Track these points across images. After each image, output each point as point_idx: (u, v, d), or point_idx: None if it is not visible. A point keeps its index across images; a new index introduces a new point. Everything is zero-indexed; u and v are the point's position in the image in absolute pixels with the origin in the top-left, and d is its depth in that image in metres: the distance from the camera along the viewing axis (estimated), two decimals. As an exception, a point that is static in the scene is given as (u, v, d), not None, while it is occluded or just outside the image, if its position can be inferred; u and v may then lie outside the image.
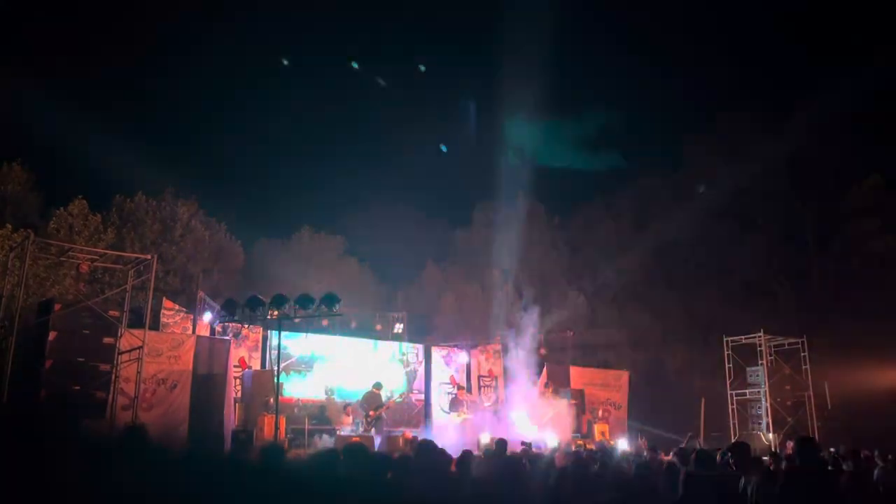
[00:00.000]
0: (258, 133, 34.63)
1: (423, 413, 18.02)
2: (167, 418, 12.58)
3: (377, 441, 13.62)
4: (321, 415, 15.59)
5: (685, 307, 24.97)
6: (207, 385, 13.29)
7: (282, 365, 14.03)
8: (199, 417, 12.89)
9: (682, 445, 12.74)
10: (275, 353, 14.01)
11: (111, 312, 11.64)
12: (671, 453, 9.58)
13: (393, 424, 15.87)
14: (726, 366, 18.70)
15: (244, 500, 3.27)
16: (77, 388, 10.74)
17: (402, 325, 19.02)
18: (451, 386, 18.03)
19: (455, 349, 19.39)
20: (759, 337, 18.03)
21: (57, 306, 11.07)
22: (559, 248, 28.59)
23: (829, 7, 25.92)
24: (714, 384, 19.63)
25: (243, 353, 15.73)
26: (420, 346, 19.03)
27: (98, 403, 10.94)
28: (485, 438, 13.67)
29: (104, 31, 27.96)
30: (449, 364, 18.90)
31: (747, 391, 18.16)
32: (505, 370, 18.66)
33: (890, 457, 9.29)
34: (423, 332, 23.27)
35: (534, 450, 11.43)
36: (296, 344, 16.77)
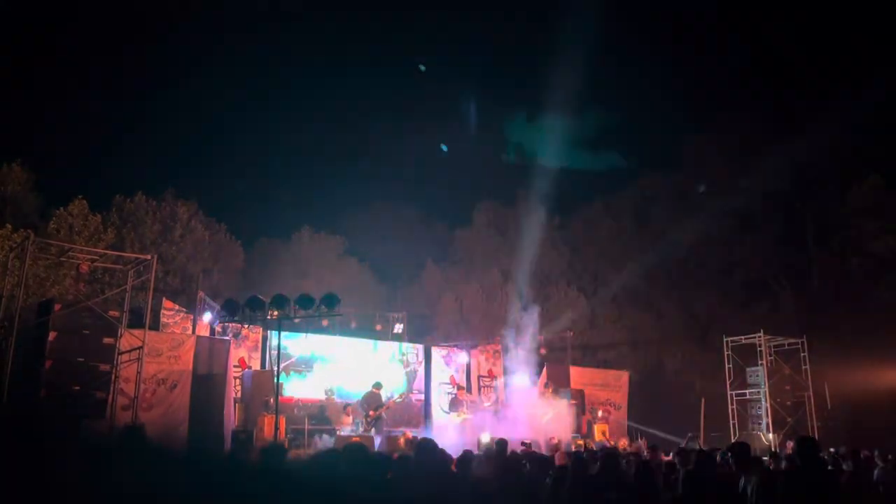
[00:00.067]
0: (258, 133, 34.68)
1: (423, 413, 18.02)
2: (167, 418, 12.59)
3: (377, 441, 13.62)
4: (321, 415, 15.59)
5: (685, 307, 24.98)
6: (207, 385, 13.29)
7: (282, 365, 14.03)
8: (199, 417, 12.89)
9: (683, 445, 12.76)
10: (275, 353, 14.00)
11: (111, 312, 11.63)
12: (671, 453, 9.58)
13: (393, 424, 15.87)
14: (726, 366, 18.69)
15: (244, 500, 3.27)
16: (77, 388, 10.73)
17: (402, 325, 19.01)
18: (451, 386, 18.03)
19: (455, 349, 19.39)
20: (759, 337, 18.02)
21: (57, 306, 11.07)
22: (559, 248, 28.59)
23: (830, 7, 25.93)
24: (714, 384, 19.63)
25: (243, 354, 15.73)
26: (420, 346, 19.04)
27: (98, 403, 10.93)
28: (485, 438, 13.66)
29: (104, 31, 27.98)
30: (449, 364, 18.91)
31: (747, 391, 18.16)
32: (505, 370, 18.66)
33: (890, 457, 9.28)
34: (423, 332, 23.29)
35: (534, 450, 11.42)
36: (296, 344, 16.78)
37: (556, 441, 14.16)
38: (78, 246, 14.75)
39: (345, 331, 17.70)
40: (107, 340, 11.31)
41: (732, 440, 15.71)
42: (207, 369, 13.42)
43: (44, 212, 19.23)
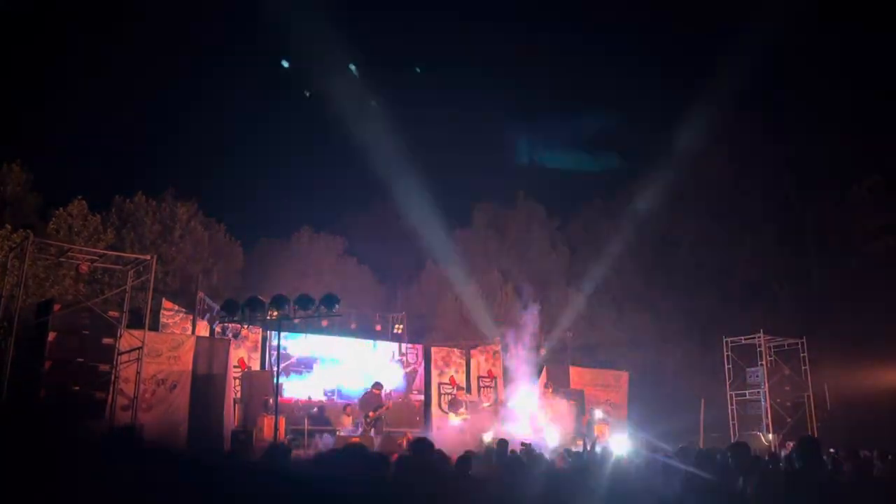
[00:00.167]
0: (258, 133, 34.65)
1: (423, 413, 18.02)
2: (167, 419, 12.58)
3: (377, 442, 13.63)
4: (321, 415, 15.59)
5: (685, 307, 24.96)
6: (207, 385, 13.29)
7: (281, 365, 14.03)
8: (199, 418, 12.88)
9: (682, 445, 12.73)
10: (274, 353, 14.01)
11: (111, 313, 11.65)
12: (671, 454, 9.57)
13: (393, 425, 15.88)
14: (726, 366, 18.69)
15: (244, 500, 3.27)
16: (77, 388, 10.75)
17: (401, 326, 19.02)
18: (450, 386, 18.04)
19: (455, 350, 19.39)
20: (759, 337, 18.02)
21: (56, 307, 11.08)
22: (559, 248, 28.60)
23: (829, 7, 25.91)
24: (714, 385, 19.62)
25: (243, 354, 15.73)
26: (419, 347, 19.04)
27: (98, 404, 10.94)
28: (485, 439, 13.66)
29: (105, 31, 27.98)
30: (448, 364, 18.90)
31: (747, 392, 18.15)
32: (504, 370, 18.66)
33: (890, 457, 9.27)
34: (423, 332, 23.26)
35: (533, 450, 11.42)
36: (295, 344, 16.78)
37: (557, 440, 14.18)
38: (77, 246, 14.74)
39: (344, 331, 17.70)
40: (106, 341, 11.32)
41: (732, 440, 15.70)
42: (207, 370, 13.42)
43: (43, 212, 19.23)
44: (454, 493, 5.31)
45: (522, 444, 11.64)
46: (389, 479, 4.67)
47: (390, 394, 16.61)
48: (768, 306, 23.52)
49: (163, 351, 12.95)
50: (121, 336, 11.62)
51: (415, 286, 28.10)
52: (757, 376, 17.94)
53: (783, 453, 11.24)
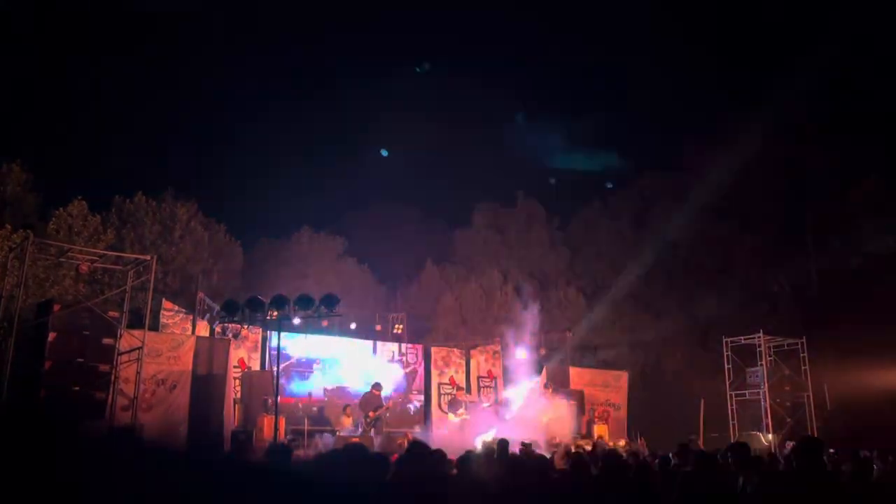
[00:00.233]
0: (258, 133, 34.65)
1: (423, 414, 18.03)
2: (167, 419, 12.58)
3: (377, 442, 13.63)
4: (321, 415, 15.59)
5: (685, 307, 24.95)
6: (207, 386, 13.30)
7: (281, 366, 14.03)
8: (199, 418, 12.89)
9: (682, 445, 12.72)
10: (274, 353, 14.01)
11: (111, 313, 11.64)
12: (671, 454, 9.56)
13: (393, 425, 15.88)
14: (726, 366, 18.68)
15: (244, 500, 3.26)
16: (77, 388, 10.74)
17: (401, 326, 19.02)
18: (450, 386, 18.04)
19: (454, 350, 19.39)
20: (759, 337, 18.01)
21: (56, 307, 11.07)
22: (559, 248, 28.60)
23: (829, 8, 25.91)
24: (713, 385, 19.61)
25: (243, 354, 15.73)
26: (419, 347, 19.04)
27: (98, 404, 10.94)
28: (486, 438, 13.65)
29: (104, 31, 27.99)
30: (448, 365, 18.90)
31: (747, 392, 18.15)
32: (504, 371, 18.66)
33: (890, 457, 9.26)
34: (423, 332, 23.27)
35: (533, 450, 11.42)
36: (295, 345, 16.77)
37: (557, 440, 14.17)
38: (77, 246, 14.73)
39: (344, 331, 17.71)
40: (106, 341, 11.32)
41: (732, 441, 15.69)
42: (207, 370, 13.43)
43: (43, 212, 19.21)
44: (454, 493, 5.31)
45: (522, 444, 11.66)
46: (389, 480, 4.67)
47: (390, 394, 16.60)
48: (768, 306, 23.53)
49: (163, 351, 12.95)
50: (121, 336, 11.62)
51: (415, 286, 28.10)
52: (757, 376, 17.93)
53: (783, 453, 11.24)
